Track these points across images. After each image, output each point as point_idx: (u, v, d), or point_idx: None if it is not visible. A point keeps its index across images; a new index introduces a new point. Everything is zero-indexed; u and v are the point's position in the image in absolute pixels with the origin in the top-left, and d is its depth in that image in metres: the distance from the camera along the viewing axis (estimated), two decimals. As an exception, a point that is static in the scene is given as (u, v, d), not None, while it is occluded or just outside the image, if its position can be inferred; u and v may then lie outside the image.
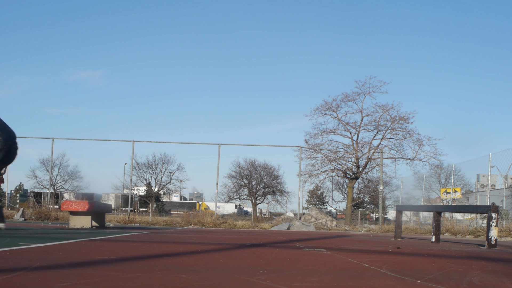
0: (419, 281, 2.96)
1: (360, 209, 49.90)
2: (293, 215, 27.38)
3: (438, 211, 9.09)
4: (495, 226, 7.31)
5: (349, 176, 30.06)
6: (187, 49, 79.35)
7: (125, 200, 50.81)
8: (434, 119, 64.22)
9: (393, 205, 40.91)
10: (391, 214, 44.98)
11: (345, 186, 41.02)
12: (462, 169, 25.66)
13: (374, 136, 29.15)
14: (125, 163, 38.40)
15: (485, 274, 3.52)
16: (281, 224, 18.36)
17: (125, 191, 43.67)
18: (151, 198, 49.27)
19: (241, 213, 61.59)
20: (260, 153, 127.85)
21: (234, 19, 78.92)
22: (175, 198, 65.58)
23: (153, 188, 50.77)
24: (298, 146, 24.54)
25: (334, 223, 20.59)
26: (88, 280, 2.64)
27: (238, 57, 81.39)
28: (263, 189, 47.26)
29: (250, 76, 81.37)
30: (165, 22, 77.93)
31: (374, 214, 51.17)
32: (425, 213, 25.99)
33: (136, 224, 17.67)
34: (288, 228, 17.15)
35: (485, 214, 8.81)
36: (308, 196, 54.79)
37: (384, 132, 28.87)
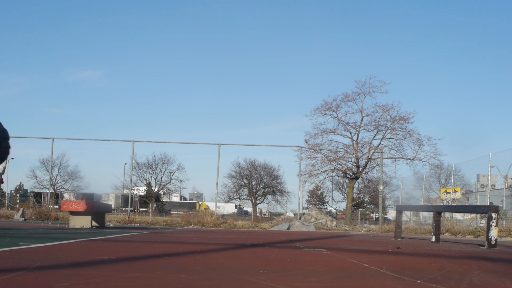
0: (419, 281, 2.97)
1: (360, 209, 49.87)
2: (293, 215, 27.37)
3: (438, 211, 9.10)
4: (495, 226, 7.32)
5: (349, 176, 30.06)
6: (187, 49, 79.42)
7: (125, 200, 50.81)
8: (434, 119, 64.20)
9: (393, 205, 40.90)
10: (391, 214, 44.96)
11: (345, 186, 41.02)
12: (462, 169, 25.69)
13: (374, 136, 29.15)
14: (125, 163, 38.44)
15: (485, 274, 3.52)
16: (281, 224, 18.36)
17: (125, 191, 43.67)
18: (151, 198, 49.25)
19: (241, 213, 61.55)
20: (260, 153, 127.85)
21: (234, 19, 78.98)
22: (175, 198, 65.54)
23: (153, 188, 50.75)
24: (298, 146, 24.55)
25: (334, 223, 20.59)
26: (88, 280, 2.64)
27: (238, 57, 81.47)
28: (263, 189, 47.23)
29: (250, 76, 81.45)
30: (165, 22, 77.99)
31: (374, 214, 51.16)
32: (425, 213, 25.99)
33: (136, 224, 17.67)
34: (288, 228, 17.15)
35: (485, 214, 8.81)
36: (308, 196, 54.84)
37: (384, 132, 28.88)
